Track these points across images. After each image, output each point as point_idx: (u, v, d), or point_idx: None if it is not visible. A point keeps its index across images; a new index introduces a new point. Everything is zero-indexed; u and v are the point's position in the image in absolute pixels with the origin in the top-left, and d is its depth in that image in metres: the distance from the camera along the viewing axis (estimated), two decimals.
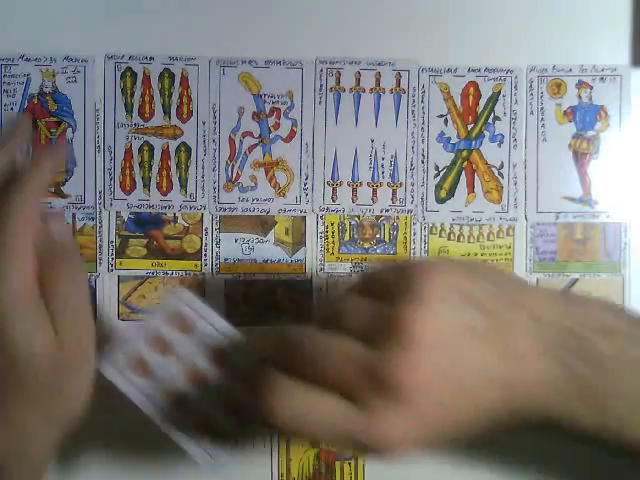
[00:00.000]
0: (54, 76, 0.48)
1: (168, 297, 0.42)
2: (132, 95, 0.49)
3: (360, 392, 0.35)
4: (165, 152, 0.49)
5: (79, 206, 0.49)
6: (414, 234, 0.50)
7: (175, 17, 0.49)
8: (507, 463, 0.49)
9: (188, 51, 0.49)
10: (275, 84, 0.49)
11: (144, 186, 0.49)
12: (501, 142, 0.50)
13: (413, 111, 0.50)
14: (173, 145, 0.49)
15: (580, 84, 0.50)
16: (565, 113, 0.50)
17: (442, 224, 0.50)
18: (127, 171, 0.49)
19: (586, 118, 0.50)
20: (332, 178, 0.50)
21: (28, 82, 0.48)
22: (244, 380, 0.40)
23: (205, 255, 0.49)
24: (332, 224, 0.50)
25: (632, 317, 0.38)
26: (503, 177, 0.50)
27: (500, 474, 0.49)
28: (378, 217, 0.50)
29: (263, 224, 0.50)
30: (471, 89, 0.50)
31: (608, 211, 0.50)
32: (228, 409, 0.41)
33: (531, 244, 0.50)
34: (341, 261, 0.50)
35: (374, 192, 0.50)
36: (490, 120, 0.50)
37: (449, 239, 0.50)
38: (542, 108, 0.50)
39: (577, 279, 0.50)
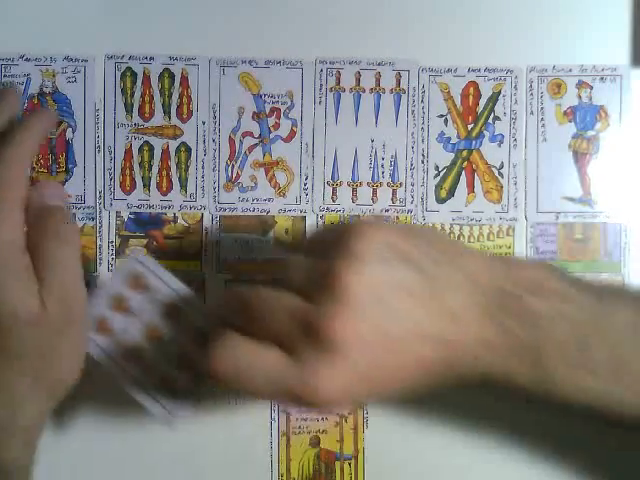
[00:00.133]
0: (54, 76, 0.48)
1: (127, 260, 0.44)
2: (132, 95, 0.49)
3: (297, 344, 0.36)
4: (165, 152, 0.49)
5: (79, 206, 0.49)
6: None
7: (175, 17, 0.49)
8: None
9: (188, 51, 0.49)
10: (275, 84, 0.49)
11: (144, 186, 0.49)
12: (501, 142, 0.50)
13: (413, 111, 0.50)
14: (173, 145, 0.49)
15: (580, 84, 0.50)
16: (565, 113, 0.50)
17: (442, 224, 0.50)
18: (127, 171, 0.49)
19: (586, 118, 0.50)
20: (332, 178, 0.50)
21: (28, 82, 0.48)
22: (197, 337, 0.42)
23: (205, 255, 0.49)
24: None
25: (565, 276, 0.39)
26: (503, 177, 0.50)
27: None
28: (378, 217, 0.50)
29: (263, 224, 0.50)
30: (471, 89, 0.50)
31: (608, 211, 0.50)
32: (183, 366, 0.43)
33: (531, 244, 0.50)
34: None
35: (374, 192, 0.50)
36: (490, 120, 0.50)
37: None
38: (542, 108, 0.50)
39: None
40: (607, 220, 0.50)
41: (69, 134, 0.49)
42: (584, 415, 0.39)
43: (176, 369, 0.43)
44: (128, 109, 0.49)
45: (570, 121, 0.50)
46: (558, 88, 0.50)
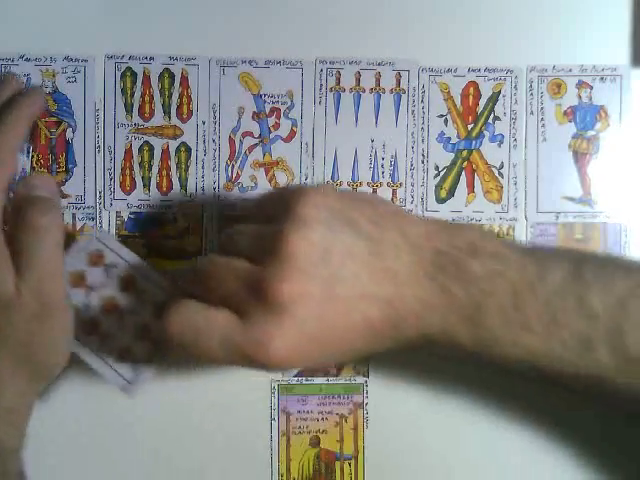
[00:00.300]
0: (54, 76, 0.48)
1: (86, 237, 0.46)
2: (132, 95, 0.49)
3: (246, 306, 0.38)
4: (165, 152, 0.49)
5: (79, 206, 0.49)
6: None
7: (175, 17, 0.49)
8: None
9: (188, 51, 0.49)
10: (275, 84, 0.49)
11: (144, 186, 0.49)
12: (501, 142, 0.50)
13: (413, 111, 0.50)
14: (173, 145, 0.49)
15: (580, 84, 0.50)
16: (565, 113, 0.50)
17: None
18: (127, 171, 0.49)
19: (586, 118, 0.50)
20: (332, 178, 0.50)
21: (28, 82, 0.48)
22: (156, 310, 0.44)
23: (205, 255, 0.49)
24: None
25: (500, 239, 0.41)
26: (503, 177, 0.50)
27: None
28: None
29: None
30: (471, 89, 0.50)
31: (608, 211, 0.50)
32: (142, 337, 0.45)
33: (531, 244, 0.50)
34: None
35: (374, 192, 0.50)
36: (490, 120, 0.50)
37: None
38: (542, 108, 0.50)
39: None
40: (607, 220, 0.50)
41: (69, 134, 0.49)
42: (530, 376, 0.40)
43: (134, 340, 0.45)
44: (128, 109, 0.49)
45: (570, 121, 0.50)
46: (558, 88, 0.50)
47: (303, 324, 0.37)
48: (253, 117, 0.49)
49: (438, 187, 0.50)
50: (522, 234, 0.50)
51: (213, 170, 0.49)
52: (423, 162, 0.50)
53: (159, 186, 0.49)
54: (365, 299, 0.38)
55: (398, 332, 0.39)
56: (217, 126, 0.49)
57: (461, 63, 0.49)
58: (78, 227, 0.49)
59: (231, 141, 0.49)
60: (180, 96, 0.49)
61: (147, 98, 0.49)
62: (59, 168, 0.49)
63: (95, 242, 0.45)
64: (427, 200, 0.50)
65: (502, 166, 0.50)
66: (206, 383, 0.48)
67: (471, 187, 0.50)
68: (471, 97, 0.50)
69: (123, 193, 0.49)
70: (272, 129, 0.49)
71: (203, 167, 0.49)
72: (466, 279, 0.39)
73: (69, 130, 0.49)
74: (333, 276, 0.38)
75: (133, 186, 0.49)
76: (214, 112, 0.49)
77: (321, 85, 0.49)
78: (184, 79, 0.49)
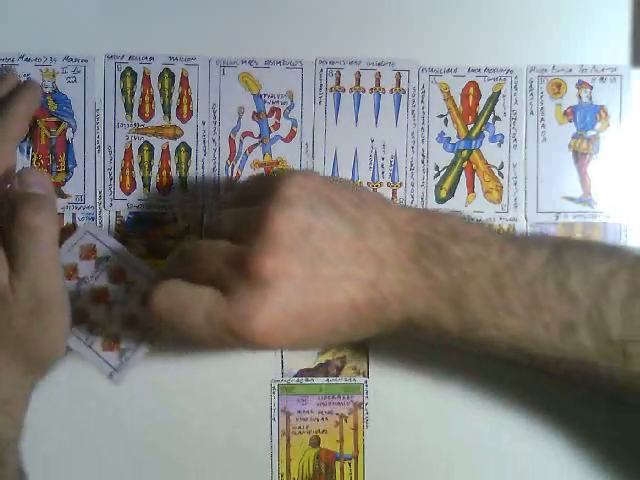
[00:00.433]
0: (54, 76, 0.48)
1: (78, 231, 0.46)
2: (132, 95, 0.49)
3: (230, 283, 0.38)
4: (165, 152, 0.49)
5: (79, 206, 0.49)
6: None
7: (175, 17, 0.49)
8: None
9: (188, 51, 0.49)
10: (275, 84, 0.49)
11: (144, 186, 0.49)
12: (501, 142, 0.50)
13: (413, 111, 0.50)
14: (173, 145, 0.49)
15: (580, 84, 0.50)
16: (565, 113, 0.50)
17: None
18: (127, 171, 0.49)
19: (586, 118, 0.50)
20: None
21: None
22: (144, 300, 0.44)
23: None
24: None
25: (481, 225, 0.42)
26: (503, 177, 0.50)
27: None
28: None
29: None
30: (471, 89, 0.50)
31: (608, 211, 0.50)
32: (130, 326, 0.46)
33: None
34: None
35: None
36: (490, 120, 0.50)
37: None
38: (542, 108, 0.50)
39: None
40: (607, 220, 0.50)
41: (69, 134, 0.49)
42: (516, 362, 0.41)
43: (122, 329, 0.46)
44: (128, 109, 0.49)
45: (570, 121, 0.50)
46: (558, 88, 0.50)
47: (286, 301, 0.38)
48: (253, 117, 0.49)
49: (438, 187, 0.50)
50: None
51: (213, 170, 0.49)
52: (423, 162, 0.50)
53: (159, 186, 0.49)
54: (348, 279, 0.39)
55: (382, 316, 0.40)
56: (217, 126, 0.49)
57: (461, 63, 0.49)
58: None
59: (231, 141, 0.49)
60: (180, 96, 0.49)
61: (147, 98, 0.49)
62: (59, 168, 0.49)
63: (88, 236, 0.46)
64: (427, 200, 0.50)
65: (502, 166, 0.50)
66: (206, 383, 0.48)
67: (471, 187, 0.50)
68: (471, 97, 0.50)
69: (123, 193, 0.49)
70: (272, 129, 0.49)
71: (203, 167, 0.49)
72: (448, 262, 0.39)
73: (69, 130, 0.49)
74: (316, 255, 0.39)
75: (133, 186, 0.49)
76: (214, 112, 0.49)
77: (321, 85, 0.49)
78: (184, 79, 0.49)
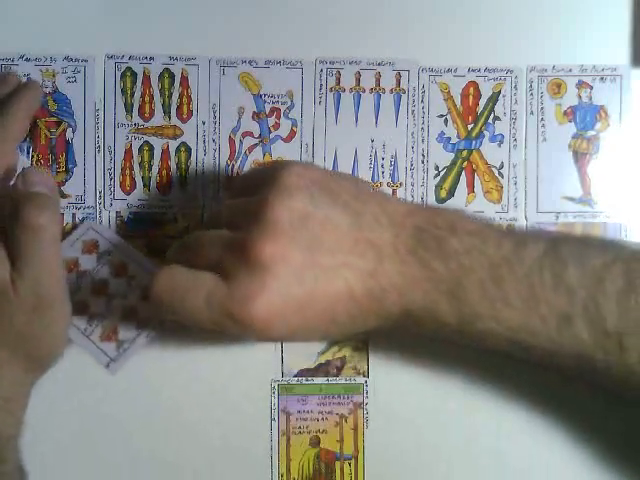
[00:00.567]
0: (54, 76, 0.48)
1: (80, 226, 0.48)
2: (132, 95, 0.49)
3: (229, 268, 0.39)
4: (165, 152, 0.49)
5: (79, 206, 0.49)
6: None
7: (175, 17, 0.49)
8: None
9: (188, 51, 0.49)
10: (275, 84, 0.49)
11: (144, 186, 0.49)
12: (501, 142, 0.50)
13: (413, 111, 0.50)
14: (173, 145, 0.49)
15: (580, 84, 0.50)
16: (565, 113, 0.50)
17: None
18: (127, 171, 0.49)
19: (586, 118, 0.50)
20: None
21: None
22: (143, 294, 0.46)
23: None
24: None
25: (479, 219, 0.42)
26: (503, 177, 0.50)
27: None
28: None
29: None
30: (471, 89, 0.50)
31: (608, 211, 0.50)
32: (129, 318, 0.47)
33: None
34: None
35: None
36: (490, 120, 0.50)
37: None
38: (542, 108, 0.50)
39: None
40: (607, 220, 0.50)
41: (69, 134, 0.49)
42: (512, 355, 0.41)
43: (121, 321, 0.47)
44: (128, 109, 0.49)
45: (570, 121, 0.50)
46: (558, 88, 0.50)
47: (285, 286, 0.38)
48: (253, 117, 0.49)
49: (438, 187, 0.50)
50: None
51: (213, 170, 0.49)
52: (423, 162, 0.50)
53: (159, 186, 0.49)
54: (347, 268, 0.39)
55: (381, 307, 0.40)
56: (217, 126, 0.49)
57: (461, 63, 0.49)
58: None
59: (231, 141, 0.49)
60: (180, 96, 0.49)
61: (147, 98, 0.49)
62: (59, 168, 0.49)
63: (90, 232, 0.47)
64: (427, 200, 0.50)
65: (502, 166, 0.50)
66: (206, 383, 0.48)
67: (471, 187, 0.50)
68: (471, 97, 0.50)
69: (123, 193, 0.49)
70: (272, 129, 0.49)
71: (203, 167, 0.49)
72: (445, 254, 0.40)
73: (69, 130, 0.49)
74: (315, 243, 0.39)
75: (133, 186, 0.49)
76: (214, 112, 0.49)
77: (321, 85, 0.49)
78: (184, 79, 0.49)
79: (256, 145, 0.49)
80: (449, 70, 0.50)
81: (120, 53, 0.49)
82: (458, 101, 0.50)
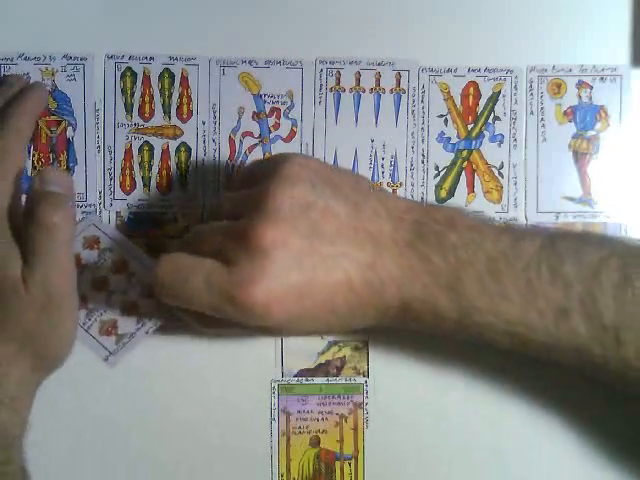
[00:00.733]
0: (53, 74, 0.48)
1: (83, 223, 0.48)
2: (132, 95, 0.49)
3: (231, 254, 0.39)
4: (165, 152, 0.49)
5: (80, 204, 0.49)
6: None
7: (175, 17, 0.49)
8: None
9: (188, 51, 0.49)
10: (275, 84, 0.49)
11: (144, 186, 0.49)
12: (501, 142, 0.50)
13: (413, 111, 0.50)
14: (173, 145, 0.49)
15: (580, 84, 0.50)
16: (565, 113, 0.50)
17: None
18: (127, 171, 0.49)
19: (586, 118, 0.50)
20: None
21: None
22: (144, 290, 0.47)
23: None
24: None
25: (477, 215, 0.43)
26: (503, 177, 0.50)
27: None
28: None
29: None
30: (471, 89, 0.50)
31: (608, 211, 0.50)
32: (129, 313, 0.48)
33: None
34: None
35: None
36: (490, 120, 0.50)
37: None
38: (542, 108, 0.50)
39: None
40: (607, 220, 0.50)
41: (70, 132, 0.49)
42: (510, 350, 0.41)
43: (121, 316, 0.48)
44: (128, 109, 0.49)
45: (570, 121, 0.50)
46: (558, 88, 0.50)
47: (285, 271, 0.39)
48: (253, 117, 0.49)
49: (438, 187, 0.50)
50: None
51: (213, 170, 0.49)
52: (423, 162, 0.50)
53: (159, 186, 0.49)
54: (346, 258, 0.40)
55: (380, 300, 0.40)
56: (217, 126, 0.49)
57: (461, 63, 0.49)
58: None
59: (231, 141, 0.49)
60: (180, 96, 0.49)
61: (147, 98, 0.49)
62: (60, 167, 0.48)
63: (92, 228, 0.48)
64: (427, 200, 0.50)
65: (502, 166, 0.50)
66: (206, 383, 0.48)
67: (471, 187, 0.50)
68: (471, 97, 0.50)
69: (123, 193, 0.49)
70: (272, 129, 0.49)
71: (203, 167, 0.49)
72: (444, 248, 0.40)
73: (70, 129, 0.49)
74: (315, 231, 0.40)
75: (133, 186, 0.49)
76: (214, 112, 0.49)
77: (321, 85, 0.49)
78: (184, 79, 0.49)
79: (256, 145, 0.49)
80: (449, 70, 0.50)
81: (120, 53, 0.49)
82: (458, 101, 0.50)
